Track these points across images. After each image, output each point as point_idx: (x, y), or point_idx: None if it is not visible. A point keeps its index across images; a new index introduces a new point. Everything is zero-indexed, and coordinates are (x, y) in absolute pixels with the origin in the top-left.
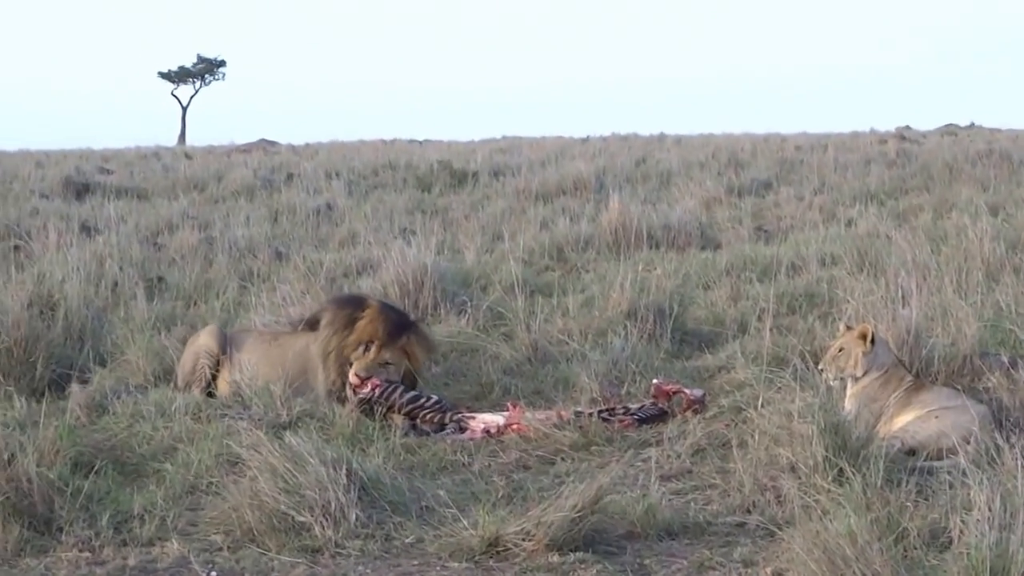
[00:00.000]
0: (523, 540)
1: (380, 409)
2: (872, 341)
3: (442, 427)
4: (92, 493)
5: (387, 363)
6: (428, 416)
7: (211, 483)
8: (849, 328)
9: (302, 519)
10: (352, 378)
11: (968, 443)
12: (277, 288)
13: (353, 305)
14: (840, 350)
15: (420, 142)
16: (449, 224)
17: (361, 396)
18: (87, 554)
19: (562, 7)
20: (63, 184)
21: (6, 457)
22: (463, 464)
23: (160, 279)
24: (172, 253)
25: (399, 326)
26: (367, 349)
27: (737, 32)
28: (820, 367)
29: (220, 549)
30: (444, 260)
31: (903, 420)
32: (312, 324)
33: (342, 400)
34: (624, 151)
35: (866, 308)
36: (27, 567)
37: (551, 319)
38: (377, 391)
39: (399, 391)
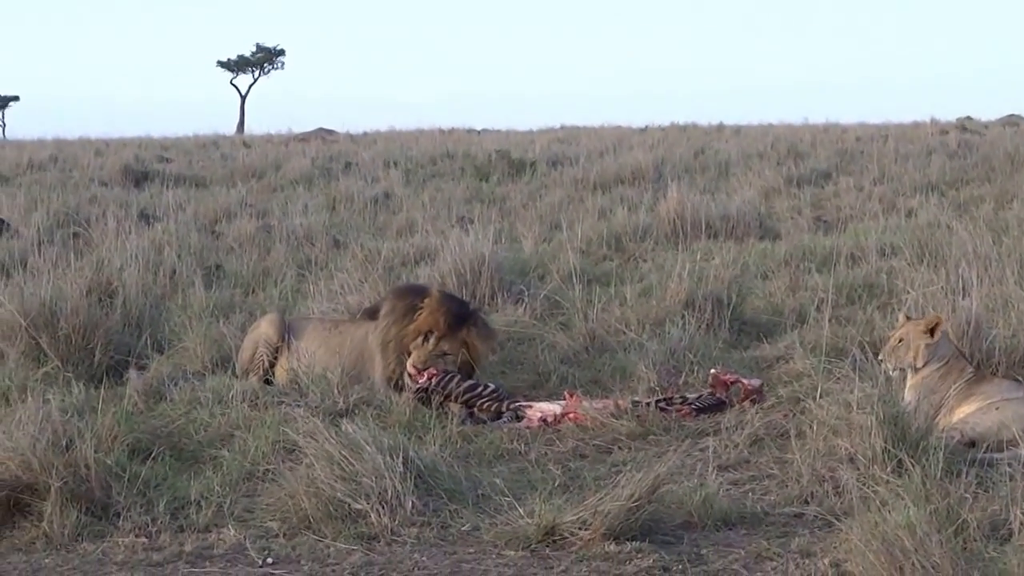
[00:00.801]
0: (579, 529)
1: (437, 398)
2: (938, 333)
3: (499, 416)
4: (149, 479)
5: (445, 354)
6: (485, 405)
7: (268, 470)
8: (909, 318)
9: (358, 506)
10: (410, 368)
11: None
12: (335, 276)
13: (414, 295)
14: (900, 341)
15: (478, 131)
16: (507, 213)
17: (419, 386)
18: (144, 539)
19: None
20: (122, 172)
21: (64, 443)
22: (520, 453)
23: (218, 267)
24: (230, 241)
25: (459, 317)
26: (426, 339)
27: (798, 23)
28: (880, 358)
29: (276, 536)
30: (502, 249)
31: (963, 411)
32: (372, 313)
33: (399, 388)
34: (683, 141)
35: (926, 299)
36: (84, 552)
37: (608, 308)
38: (434, 380)
39: (456, 380)
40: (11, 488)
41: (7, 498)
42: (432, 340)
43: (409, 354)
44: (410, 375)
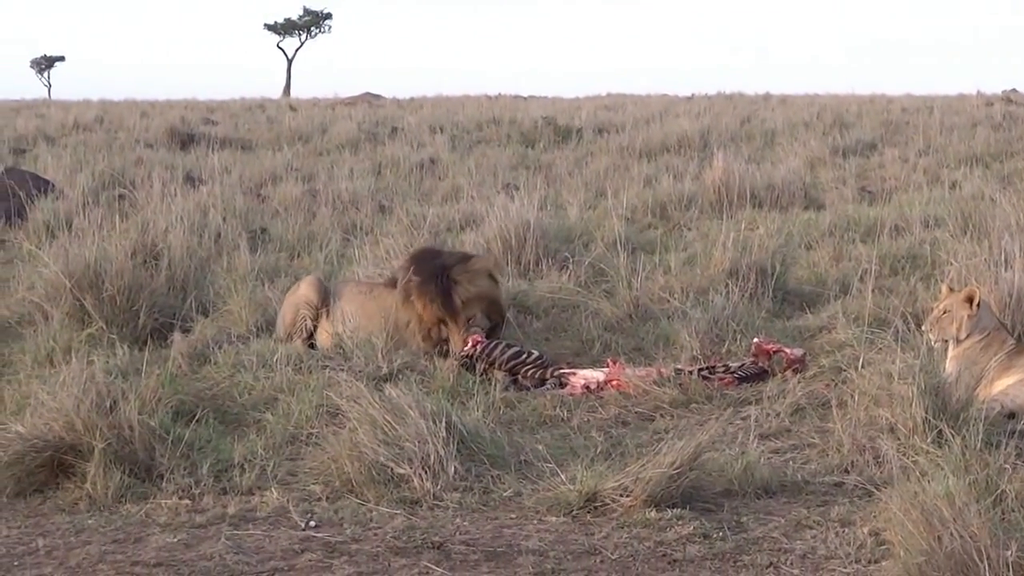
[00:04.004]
0: (621, 496)
1: (481, 365)
2: (977, 304)
3: (543, 382)
4: (193, 441)
5: (470, 322)
6: (529, 372)
7: (311, 434)
8: (952, 290)
9: (401, 471)
10: (455, 352)
11: None
12: (380, 241)
13: (408, 285)
14: (944, 312)
15: (524, 98)
16: (552, 180)
17: (464, 353)
18: (187, 501)
19: None
20: (168, 134)
21: (108, 404)
22: (562, 419)
23: (263, 230)
24: (275, 205)
25: (446, 293)
26: (445, 325)
27: None
28: (924, 328)
29: (319, 499)
30: (547, 216)
31: (1004, 383)
32: (394, 283)
33: (444, 354)
34: (729, 110)
35: (969, 271)
36: (127, 513)
37: (653, 276)
38: (479, 348)
39: (501, 347)
40: (55, 449)
41: (51, 459)
42: (451, 325)
43: (430, 332)
44: (456, 353)
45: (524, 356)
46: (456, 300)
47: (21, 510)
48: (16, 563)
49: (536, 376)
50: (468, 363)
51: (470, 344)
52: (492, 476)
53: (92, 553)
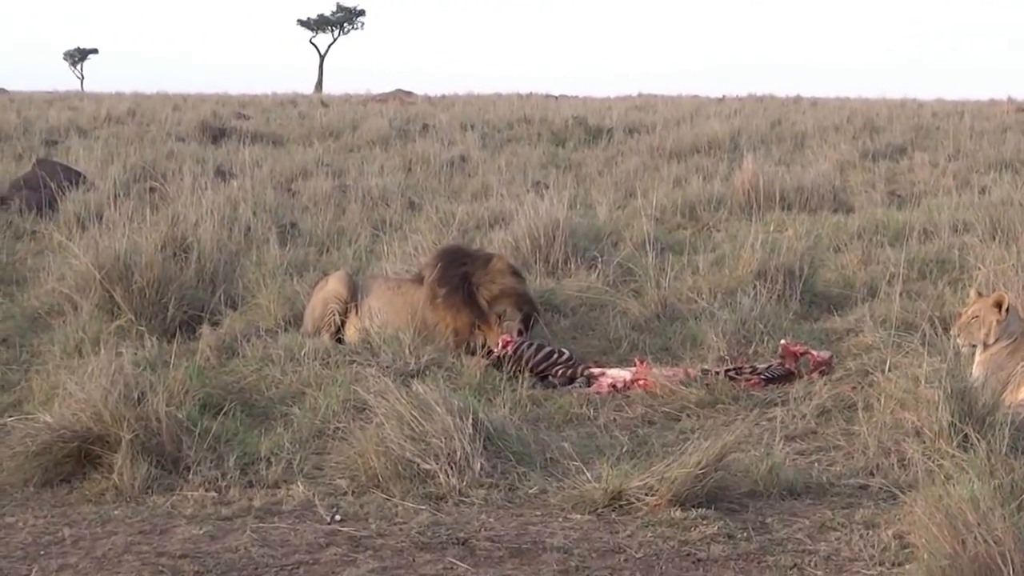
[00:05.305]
0: (646, 495)
1: (510, 365)
2: (1006, 310)
3: (571, 381)
4: (220, 434)
5: (502, 319)
6: (560, 371)
7: (338, 428)
8: (980, 295)
9: (427, 467)
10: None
11: None
12: (409, 238)
13: (434, 287)
14: (973, 317)
15: (555, 97)
16: (582, 179)
17: (494, 355)
18: (213, 494)
19: None
20: (199, 128)
21: (136, 396)
22: (588, 418)
23: (293, 225)
24: (306, 200)
25: (471, 298)
26: (479, 328)
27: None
28: (951, 333)
29: (345, 493)
30: (576, 215)
31: None
32: (421, 279)
33: (471, 351)
34: (759, 112)
35: (997, 276)
36: (153, 504)
37: (681, 277)
38: (510, 348)
39: (533, 348)
40: (82, 439)
41: (78, 449)
42: (485, 330)
43: (468, 340)
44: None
45: (555, 356)
46: (482, 303)
47: (48, 500)
48: (42, 552)
49: (567, 375)
50: (497, 362)
51: (500, 345)
52: (518, 473)
53: (118, 544)
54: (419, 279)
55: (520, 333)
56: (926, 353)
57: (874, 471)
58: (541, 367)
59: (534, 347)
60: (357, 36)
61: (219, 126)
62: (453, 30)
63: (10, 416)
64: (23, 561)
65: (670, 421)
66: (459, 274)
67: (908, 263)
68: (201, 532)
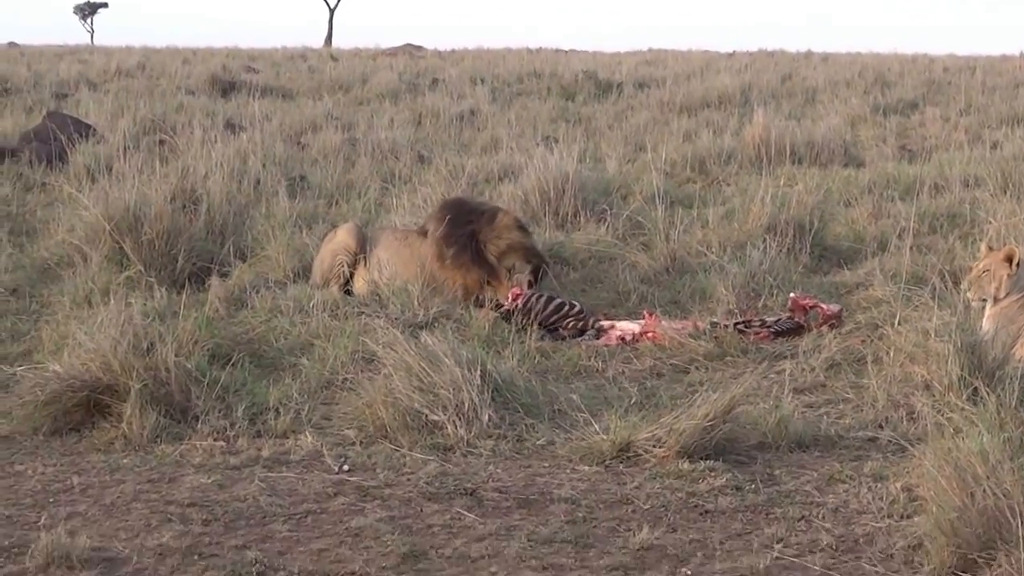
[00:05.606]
0: (654, 446)
1: (519, 317)
2: (1017, 264)
3: (582, 333)
4: (228, 384)
5: (512, 272)
6: (570, 324)
7: (346, 379)
8: (991, 249)
9: (435, 418)
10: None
11: None
12: (418, 191)
13: (441, 244)
14: (984, 271)
15: (565, 52)
16: (592, 134)
17: (504, 309)
18: (222, 443)
19: None
20: (209, 81)
21: (145, 346)
22: (597, 370)
23: (302, 178)
24: (315, 153)
25: (480, 256)
26: (490, 284)
27: None
28: (963, 287)
29: (353, 444)
30: (586, 169)
31: None
32: (424, 232)
33: (479, 304)
34: (770, 67)
35: (1009, 230)
36: (162, 454)
37: (690, 230)
38: (519, 302)
39: (543, 300)
40: (92, 389)
41: (87, 399)
42: (496, 286)
43: (478, 297)
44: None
45: (566, 308)
46: (491, 259)
47: (57, 448)
48: (51, 500)
49: (578, 327)
50: (507, 316)
51: (510, 299)
52: (526, 424)
53: (126, 492)
54: (423, 232)
55: (530, 285)
56: (936, 307)
57: (883, 424)
58: (552, 319)
59: (544, 299)
60: None
61: (229, 80)
62: None
63: (20, 365)
64: (32, 508)
65: (679, 373)
66: (466, 232)
67: (919, 217)
68: (209, 481)
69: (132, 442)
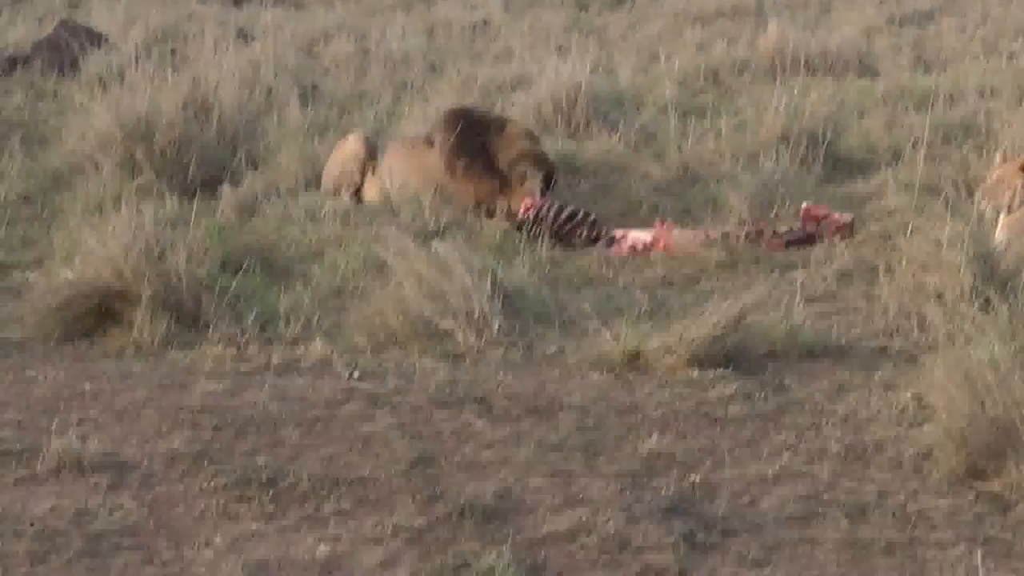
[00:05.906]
0: (664, 355)
1: (528, 227)
2: None
3: (594, 242)
4: (239, 292)
5: (523, 180)
6: (583, 233)
7: (356, 287)
8: (1006, 159)
9: (445, 325)
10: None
11: None
12: (430, 100)
13: (451, 155)
14: (999, 181)
15: None
16: (605, 44)
17: (518, 220)
18: (232, 350)
19: None
20: None
21: (156, 253)
22: (608, 279)
23: (314, 87)
24: (327, 62)
25: (491, 167)
26: (502, 193)
27: None
28: (976, 197)
29: (363, 351)
30: (598, 79)
31: None
32: (431, 142)
33: (490, 213)
34: None
35: (1023, 140)
36: (173, 360)
37: (703, 140)
38: (531, 213)
39: (555, 208)
40: (103, 295)
41: (99, 305)
42: (504, 201)
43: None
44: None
45: (579, 216)
46: (503, 168)
47: (68, 354)
48: (62, 406)
49: (591, 236)
50: (519, 226)
51: (522, 210)
52: (536, 333)
53: (137, 398)
54: (430, 141)
55: (543, 193)
56: (949, 217)
57: (894, 333)
58: (564, 228)
59: (556, 208)
60: None
61: None
62: None
63: (32, 272)
64: (44, 414)
65: (690, 283)
66: (476, 144)
67: (933, 128)
68: (220, 387)
69: (143, 349)
